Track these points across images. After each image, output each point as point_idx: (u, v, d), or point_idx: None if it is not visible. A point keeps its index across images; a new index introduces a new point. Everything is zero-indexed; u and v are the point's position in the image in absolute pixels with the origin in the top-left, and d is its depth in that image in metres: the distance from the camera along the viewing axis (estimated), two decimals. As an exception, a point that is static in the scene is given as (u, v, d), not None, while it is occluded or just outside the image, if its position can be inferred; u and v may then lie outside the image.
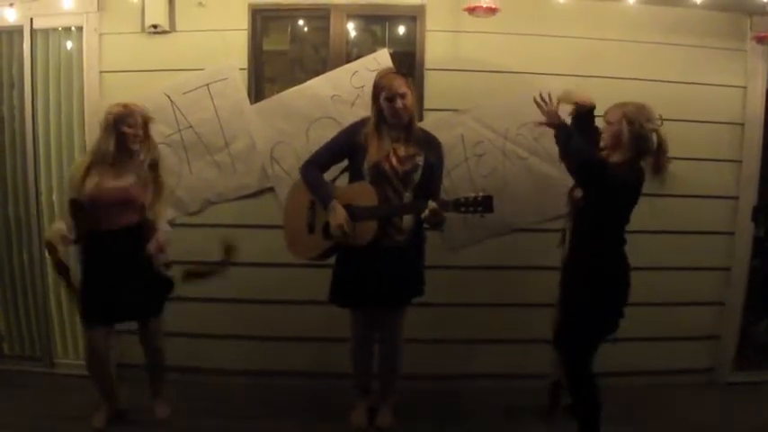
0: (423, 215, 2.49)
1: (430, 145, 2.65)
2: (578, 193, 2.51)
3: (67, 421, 2.76)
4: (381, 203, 2.55)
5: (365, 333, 2.77)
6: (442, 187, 2.75)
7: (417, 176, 2.60)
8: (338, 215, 2.55)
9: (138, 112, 2.60)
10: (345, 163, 2.72)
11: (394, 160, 2.57)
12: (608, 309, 2.44)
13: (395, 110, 2.54)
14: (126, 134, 2.55)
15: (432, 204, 2.44)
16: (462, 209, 2.44)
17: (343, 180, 2.75)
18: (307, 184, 2.69)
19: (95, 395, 2.72)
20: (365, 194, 2.55)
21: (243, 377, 3.23)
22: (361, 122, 2.67)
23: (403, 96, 2.54)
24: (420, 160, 2.60)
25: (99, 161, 2.57)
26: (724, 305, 3.34)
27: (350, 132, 2.67)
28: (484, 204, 2.42)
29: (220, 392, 3.04)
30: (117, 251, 2.55)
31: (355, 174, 2.66)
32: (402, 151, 2.58)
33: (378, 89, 2.58)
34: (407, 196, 2.60)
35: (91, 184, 2.54)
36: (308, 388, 3.17)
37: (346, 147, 2.66)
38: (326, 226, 2.63)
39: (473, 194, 2.45)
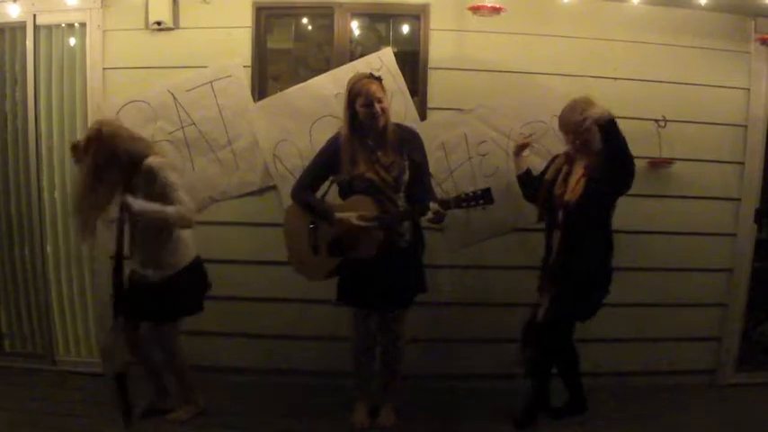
0: (426, 218, 2.52)
1: (409, 142, 2.65)
2: (572, 195, 2.58)
3: (69, 418, 2.75)
4: (381, 213, 2.57)
5: (368, 333, 2.77)
6: (435, 182, 2.78)
7: (406, 177, 2.62)
8: (348, 219, 2.56)
9: (100, 136, 2.49)
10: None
11: (381, 170, 2.58)
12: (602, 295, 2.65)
13: (373, 115, 2.55)
14: None
15: (434, 206, 2.49)
16: (464, 204, 2.51)
17: (332, 193, 2.74)
18: (303, 208, 2.70)
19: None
20: (364, 207, 2.57)
21: (243, 375, 3.23)
22: (338, 136, 2.67)
23: (380, 101, 2.56)
24: (404, 161, 2.61)
25: None
26: (726, 306, 3.34)
27: (329, 149, 2.68)
28: (484, 197, 2.48)
29: (220, 390, 3.04)
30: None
31: (345, 188, 2.66)
32: (384, 158, 2.59)
33: (353, 95, 2.57)
34: (401, 197, 2.63)
35: None
36: (309, 386, 3.17)
37: (329, 164, 2.67)
38: (331, 244, 2.66)
39: (472, 189, 2.53)
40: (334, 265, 2.67)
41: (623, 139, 2.46)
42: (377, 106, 2.55)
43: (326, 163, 2.68)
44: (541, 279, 2.75)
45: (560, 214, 2.63)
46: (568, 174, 2.65)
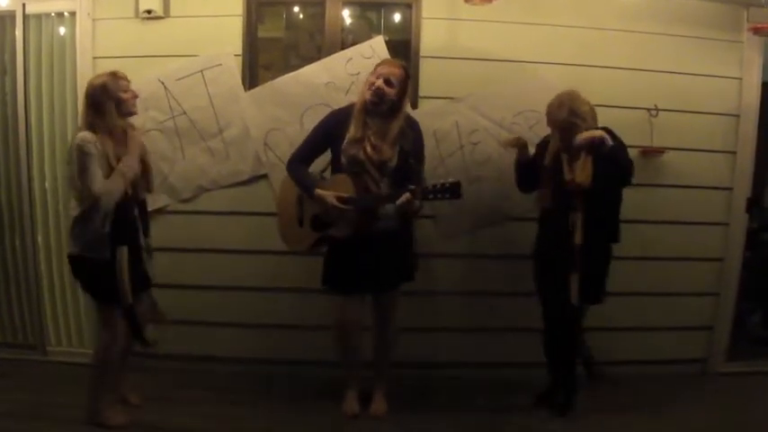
0: (397, 203, 2.49)
1: (404, 131, 2.63)
2: (583, 177, 2.56)
3: (61, 409, 2.72)
4: (359, 194, 2.57)
5: (351, 318, 2.73)
6: (424, 169, 2.74)
7: (393, 163, 2.61)
8: (326, 198, 2.57)
9: (123, 75, 2.49)
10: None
11: (369, 149, 2.57)
12: None
13: (374, 87, 2.54)
14: (125, 99, 2.46)
15: (405, 196, 2.46)
16: (430, 196, 2.47)
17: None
18: (293, 180, 2.74)
19: (91, 385, 2.59)
20: (343, 186, 2.58)
21: (234, 365, 3.22)
22: (338, 111, 2.69)
23: (388, 83, 2.55)
24: (396, 148, 2.60)
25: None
26: (718, 296, 3.35)
27: (326, 122, 2.70)
28: (451, 191, 2.44)
29: (211, 380, 3.03)
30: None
31: (335, 163, 2.68)
32: (375, 140, 2.58)
33: (376, 67, 2.62)
34: (385, 182, 2.62)
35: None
36: (300, 376, 3.16)
37: (324, 137, 2.68)
38: (314, 218, 2.68)
39: (441, 181, 2.47)
40: (315, 238, 2.70)
41: (622, 156, 2.57)
42: (380, 82, 2.54)
43: (322, 136, 2.69)
44: (567, 259, 2.66)
45: (576, 197, 2.62)
46: (570, 159, 2.62)
